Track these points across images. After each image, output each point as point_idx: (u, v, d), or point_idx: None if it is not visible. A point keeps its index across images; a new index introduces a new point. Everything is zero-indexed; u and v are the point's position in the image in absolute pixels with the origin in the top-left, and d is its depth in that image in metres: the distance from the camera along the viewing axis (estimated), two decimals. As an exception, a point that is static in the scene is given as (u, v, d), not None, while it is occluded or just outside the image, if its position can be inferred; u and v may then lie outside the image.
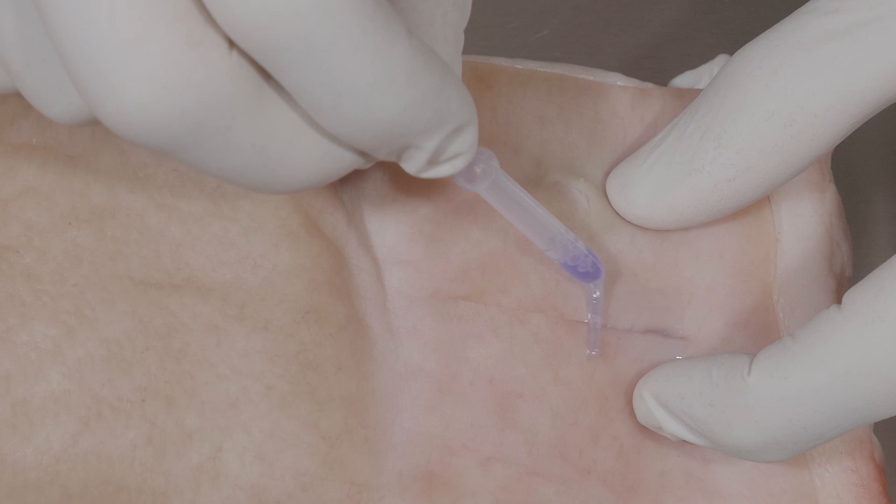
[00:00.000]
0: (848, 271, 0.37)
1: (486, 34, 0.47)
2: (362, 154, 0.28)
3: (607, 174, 0.36)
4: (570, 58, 0.38)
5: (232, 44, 0.25)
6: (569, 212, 0.35)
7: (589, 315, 0.35)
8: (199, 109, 0.25)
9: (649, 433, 0.35)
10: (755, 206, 0.36)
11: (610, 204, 0.36)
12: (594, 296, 0.35)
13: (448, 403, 0.34)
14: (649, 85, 0.38)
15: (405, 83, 0.26)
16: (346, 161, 0.28)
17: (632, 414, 0.34)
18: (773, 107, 0.32)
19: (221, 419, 0.32)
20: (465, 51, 0.38)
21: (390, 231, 0.35)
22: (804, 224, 0.36)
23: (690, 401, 0.32)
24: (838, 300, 0.31)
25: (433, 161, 0.29)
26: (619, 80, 0.38)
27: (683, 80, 0.40)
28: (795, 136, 0.32)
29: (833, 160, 0.38)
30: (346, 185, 0.35)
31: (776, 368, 0.30)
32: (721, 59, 0.39)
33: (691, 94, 0.37)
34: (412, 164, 0.29)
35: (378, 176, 0.35)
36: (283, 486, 0.32)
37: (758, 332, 0.36)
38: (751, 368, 0.31)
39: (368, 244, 0.35)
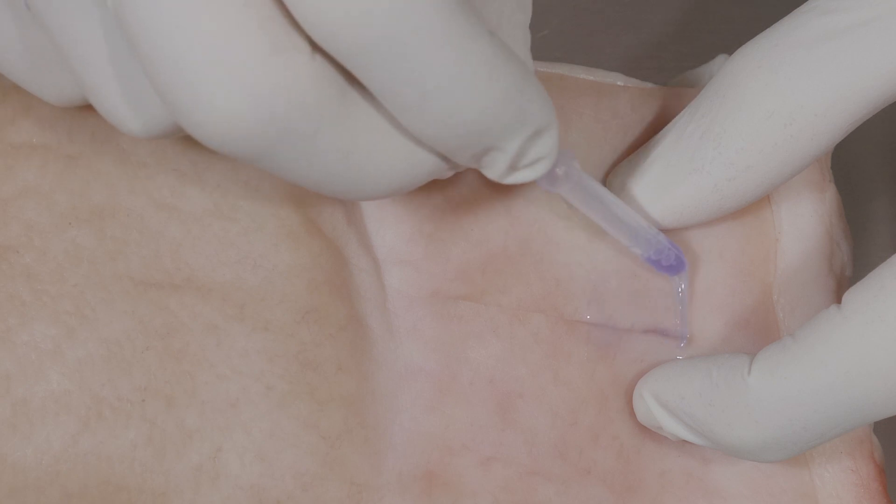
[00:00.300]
0: (848, 271, 0.37)
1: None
2: (444, 159, 0.28)
3: (607, 174, 0.36)
4: (570, 58, 0.38)
5: (315, 48, 0.25)
6: (569, 211, 0.35)
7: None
8: (286, 115, 0.26)
9: (649, 433, 0.35)
10: (755, 206, 0.36)
11: None
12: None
13: (448, 403, 0.34)
14: (649, 85, 0.38)
15: (488, 79, 0.26)
16: (428, 165, 0.28)
17: (632, 414, 0.34)
18: (773, 106, 0.32)
19: (221, 419, 0.32)
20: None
21: (390, 231, 0.35)
22: (804, 224, 0.36)
23: (690, 401, 0.32)
24: (838, 300, 0.31)
25: (514, 165, 0.29)
26: (619, 80, 0.38)
27: (683, 81, 0.40)
28: (795, 136, 0.32)
29: (833, 160, 0.38)
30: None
31: (776, 368, 0.30)
32: (721, 59, 0.39)
33: (691, 94, 0.37)
34: (494, 169, 0.29)
35: (378, 176, 0.35)
36: (283, 486, 0.32)
37: (758, 332, 0.36)
38: (751, 368, 0.31)
39: (368, 244, 0.35)
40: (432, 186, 0.35)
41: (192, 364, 0.32)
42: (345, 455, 0.32)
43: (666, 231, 0.35)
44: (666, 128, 0.35)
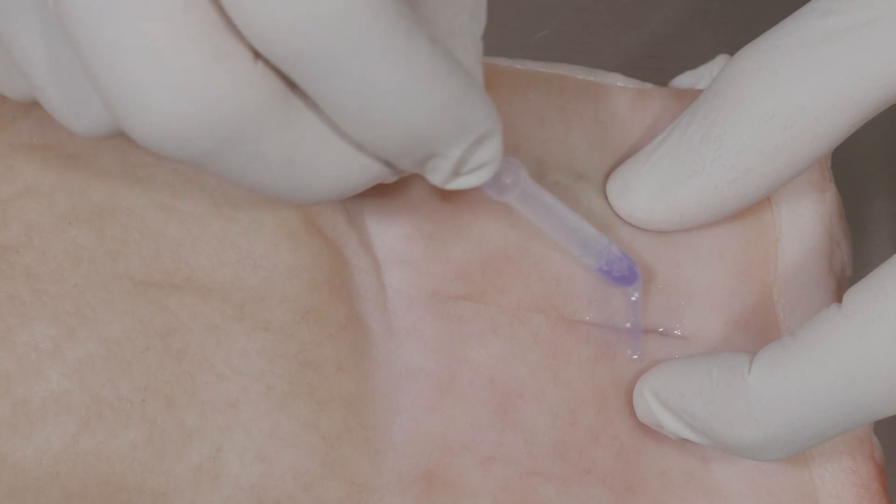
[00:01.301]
0: (848, 271, 0.37)
1: (486, 34, 0.47)
2: (387, 164, 0.29)
3: (607, 175, 0.36)
4: (570, 58, 0.38)
5: (257, 54, 0.26)
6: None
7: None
8: (226, 121, 0.26)
9: (650, 433, 0.35)
10: (755, 206, 0.36)
11: (610, 205, 0.36)
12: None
13: (448, 403, 0.34)
14: (649, 85, 0.38)
15: (429, 89, 0.26)
16: (371, 171, 0.29)
17: (632, 413, 0.34)
18: (774, 108, 0.32)
19: (221, 419, 0.32)
20: (465, 51, 0.38)
21: (390, 231, 0.35)
22: (804, 224, 0.36)
23: (690, 399, 0.32)
24: (838, 300, 0.31)
25: (457, 171, 0.29)
26: (619, 80, 0.38)
27: (683, 80, 0.40)
28: (795, 138, 0.32)
29: (833, 160, 0.38)
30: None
31: (776, 368, 0.30)
32: (721, 59, 0.39)
33: (691, 95, 0.37)
34: (437, 175, 0.29)
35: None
36: (283, 486, 0.32)
37: (758, 332, 0.36)
38: (751, 367, 0.31)
39: (368, 244, 0.35)
40: (433, 188, 0.35)
41: (192, 364, 0.32)
42: (345, 455, 0.32)
43: (666, 232, 0.35)
44: (666, 129, 0.35)
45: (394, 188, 0.35)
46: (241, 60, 0.25)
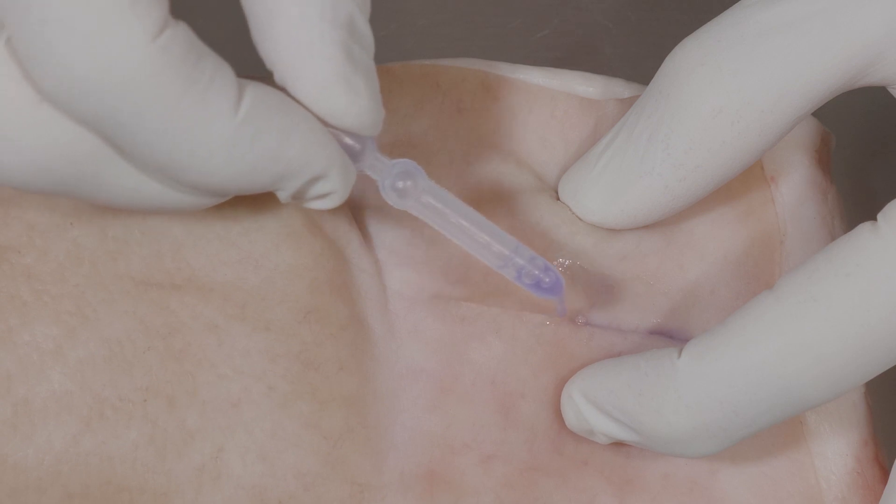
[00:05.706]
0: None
1: (486, 34, 0.47)
2: None
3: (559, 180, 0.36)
4: (570, 58, 0.38)
5: None
6: (573, 217, 0.35)
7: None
8: (59, 165, 0.27)
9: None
10: (759, 208, 0.36)
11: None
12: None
13: (449, 403, 0.34)
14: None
15: (226, 159, 0.27)
16: (209, 201, 0.29)
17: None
18: (720, 103, 0.32)
19: (223, 419, 0.32)
20: (467, 52, 0.38)
21: (391, 232, 0.35)
22: (808, 226, 0.36)
23: (620, 393, 0.31)
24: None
25: (300, 198, 0.30)
26: (619, 85, 0.38)
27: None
28: (743, 132, 0.32)
29: (834, 161, 0.39)
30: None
31: (706, 351, 0.30)
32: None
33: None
34: (280, 196, 0.30)
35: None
36: (285, 485, 0.32)
37: (761, 334, 0.36)
38: (681, 353, 0.31)
39: (370, 245, 0.35)
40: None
41: (193, 364, 0.32)
42: (346, 455, 0.32)
43: (671, 235, 0.35)
44: (614, 128, 0.35)
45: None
46: None
